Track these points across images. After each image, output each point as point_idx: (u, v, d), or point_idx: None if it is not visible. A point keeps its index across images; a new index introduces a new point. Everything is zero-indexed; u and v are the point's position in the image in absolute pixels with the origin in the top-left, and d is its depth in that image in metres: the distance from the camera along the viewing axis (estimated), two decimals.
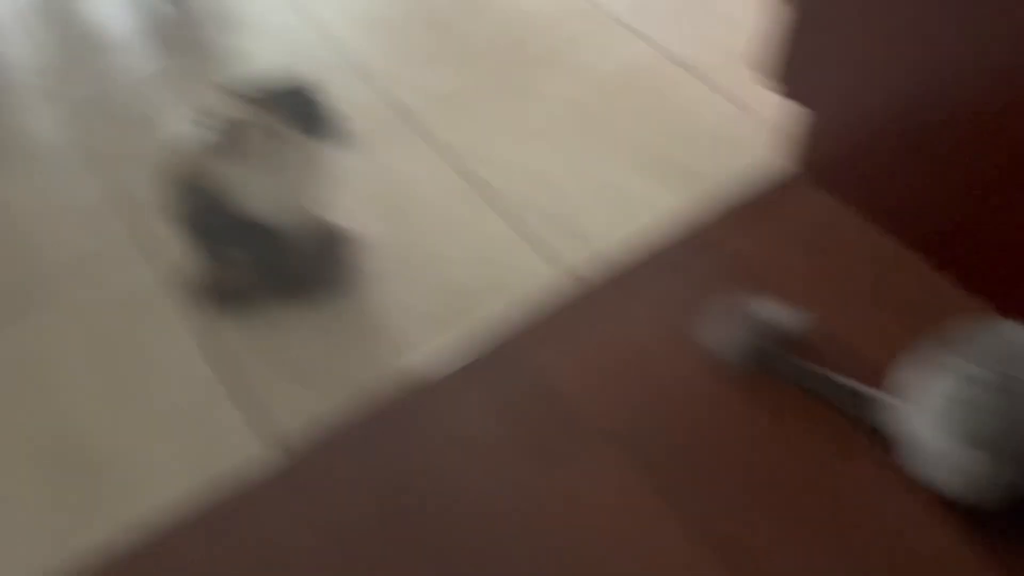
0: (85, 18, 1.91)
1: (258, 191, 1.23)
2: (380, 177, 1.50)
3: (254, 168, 1.20)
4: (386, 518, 1.08)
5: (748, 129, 1.54)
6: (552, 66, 1.71)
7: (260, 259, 1.30)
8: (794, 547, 1.02)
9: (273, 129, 1.16)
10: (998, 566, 0.98)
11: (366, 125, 1.57)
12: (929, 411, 0.97)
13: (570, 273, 1.35)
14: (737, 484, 1.09)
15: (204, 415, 1.20)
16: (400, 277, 1.35)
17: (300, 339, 1.28)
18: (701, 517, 1.06)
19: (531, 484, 1.10)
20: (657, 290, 1.31)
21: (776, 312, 1.19)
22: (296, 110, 1.15)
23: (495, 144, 1.55)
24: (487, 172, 1.50)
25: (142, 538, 1.06)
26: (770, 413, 1.15)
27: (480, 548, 1.05)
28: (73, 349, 1.29)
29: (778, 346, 1.17)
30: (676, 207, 1.42)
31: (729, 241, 1.37)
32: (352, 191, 1.41)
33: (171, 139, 1.57)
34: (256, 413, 1.20)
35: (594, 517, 1.06)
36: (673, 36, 1.75)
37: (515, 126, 1.58)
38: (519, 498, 1.09)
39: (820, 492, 1.07)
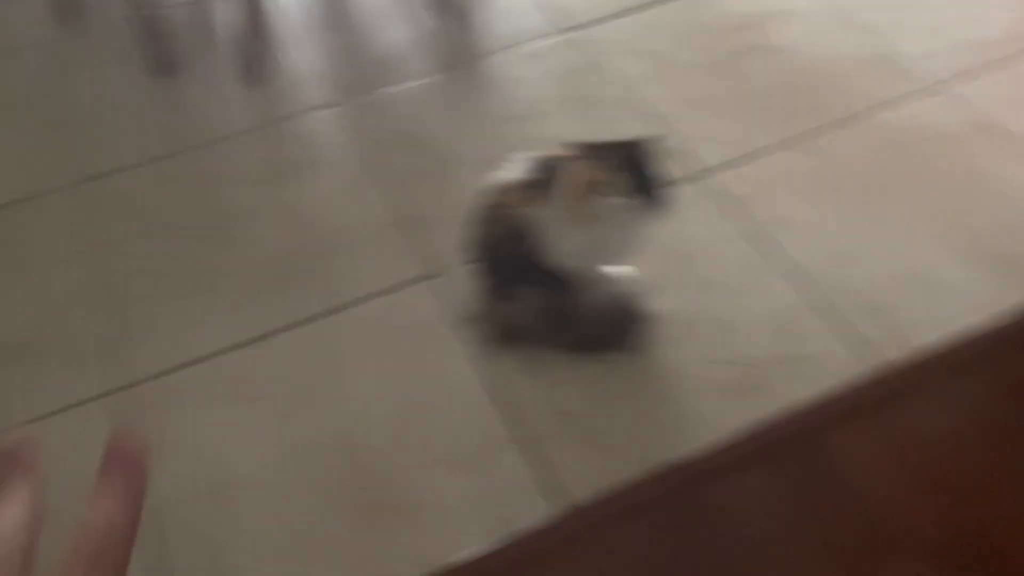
0: (361, 28, 1.97)
1: (565, 238, 1.21)
2: (675, 238, 1.44)
3: (566, 214, 1.19)
4: None
5: None
6: (849, 124, 1.61)
7: (551, 306, 1.29)
8: None
9: (598, 179, 1.13)
10: None
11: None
12: None
13: (875, 356, 1.25)
14: None
15: (491, 462, 1.19)
16: (691, 345, 1.30)
17: (588, 398, 1.26)
18: None
19: None
20: (979, 385, 1.19)
21: None
22: (629, 166, 1.12)
23: (793, 208, 1.47)
24: (785, 239, 1.43)
25: None
26: None
27: None
28: (361, 362, 1.32)
29: None
30: (997, 298, 1.29)
31: None
32: (650, 252, 1.37)
33: (476, 166, 1.60)
34: (543, 470, 1.18)
35: None
36: (994, 100, 1.61)
37: (814, 188, 1.50)
38: None
39: None
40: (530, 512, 1.14)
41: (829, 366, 1.25)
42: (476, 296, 1.33)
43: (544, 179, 1.19)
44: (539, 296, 1.28)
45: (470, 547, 1.08)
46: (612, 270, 1.29)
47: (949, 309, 1.30)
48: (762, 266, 1.39)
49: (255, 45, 1.85)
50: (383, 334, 1.36)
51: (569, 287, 1.26)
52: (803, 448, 1.15)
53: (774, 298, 1.35)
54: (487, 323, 1.34)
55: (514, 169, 1.23)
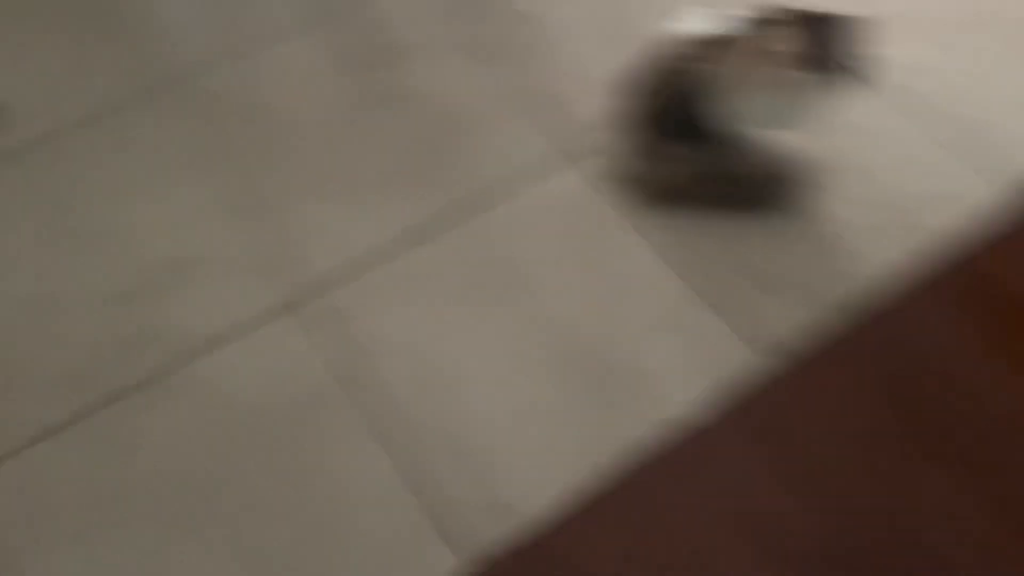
0: None
1: (738, 101, 1.25)
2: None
3: (744, 78, 1.22)
4: (897, 419, 1.16)
5: None
6: None
7: (711, 165, 1.34)
8: None
9: (782, 49, 1.17)
10: None
11: None
12: None
13: (1010, 185, 1.37)
14: None
15: (690, 321, 1.28)
16: (842, 194, 1.39)
17: (761, 250, 1.34)
18: None
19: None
20: None
21: None
22: (815, 38, 1.15)
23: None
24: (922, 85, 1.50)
25: (674, 436, 1.17)
26: None
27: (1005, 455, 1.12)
28: (540, 249, 1.36)
29: None
30: None
31: None
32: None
33: (595, 40, 1.60)
34: (741, 322, 1.27)
35: None
36: None
37: None
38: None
39: None
40: (739, 363, 1.23)
41: (970, 197, 1.36)
42: (633, 157, 1.37)
43: (725, 38, 1.21)
44: (699, 156, 1.33)
45: (693, 401, 1.19)
46: (774, 133, 1.34)
47: None
48: (909, 116, 1.47)
49: None
50: (546, 218, 1.40)
51: (729, 147, 1.32)
52: (970, 279, 1.27)
53: (913, 147, 1.43)
54: (647, 184, 1.39)
55: (693, 23, 1.24)
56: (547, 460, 1.15)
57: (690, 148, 1.32)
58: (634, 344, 1.26)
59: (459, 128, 1.51)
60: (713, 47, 1.23)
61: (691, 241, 1.36)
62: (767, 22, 1.17)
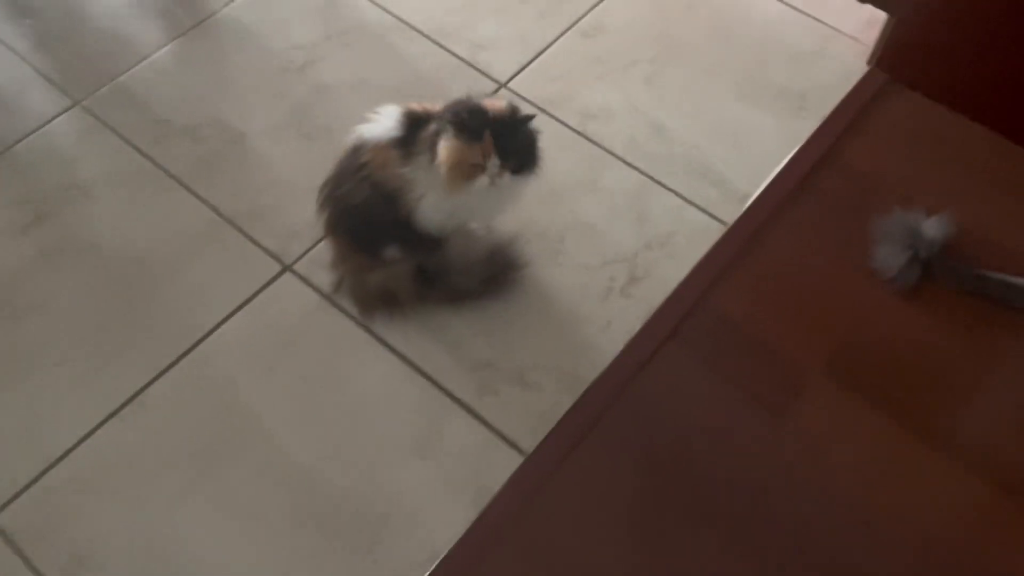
0: None
1: (435, 202, 1.19)
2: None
3: (438, 181, 1.16)
4: (658, 487, 1.14)
5: (829, 41, 1.60)
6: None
7: (423, 264, 1.28)
8: None
9: (469, 152, 1.11)
10: None
11: None
12: None
13: (717, 216, 1.40)
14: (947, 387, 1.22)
15: (443, 433, 1.20)
16: (569, 261, 1.37)
17: (498, 342, 1.29)
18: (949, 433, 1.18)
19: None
20: (801, 216, 1.39)
21: (920, 219, 1.28)
22: (503, 140, 1.10)
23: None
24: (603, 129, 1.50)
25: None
26: (946, 320, 1.27)
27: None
28: (268, 385, 1.24)
29: (933, 253, 1.27)
30: (787, 129, 1.48)
31: (850, 158, 1.45)
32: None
33: (273, 133, 1.48)
34: (496, 416, 1.21)
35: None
36: None
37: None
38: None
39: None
40: (503, 465, 1.17)
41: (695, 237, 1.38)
42: (344, 267, 1.29)
43: (410, 137, 1.15)
44: (415, 254, 1.26)
45: (464, 521, 1.11)
46: (482, 226, 1.30)
47: (751, 149, 1.47)
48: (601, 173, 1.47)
49: None
50: (271, 348, 1.27)
51: (438, 244, 1.26)
52: (697, 314, 1.28)
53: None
54: (362, 292, 1.30)
55: (375, 127, 1.17)
56: None
57: (403, 249, 1.25)
58: (389, 472, 1.17)
59: (154, 272, 1.35)
60: (399, 148, 1.16)
61: (428, 344, 1.28)
62: (448, 119, 1.11)
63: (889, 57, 1.51)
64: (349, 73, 1.57)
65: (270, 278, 1.34)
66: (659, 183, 1.44)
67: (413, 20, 1.65)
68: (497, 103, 1.15)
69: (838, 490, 1.09)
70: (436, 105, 1.17)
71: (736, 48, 1.61)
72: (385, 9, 1.67)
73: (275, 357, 1.27)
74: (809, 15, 1.65)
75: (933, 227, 1.24)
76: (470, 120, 1.09)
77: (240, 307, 1.31)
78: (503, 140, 1.10)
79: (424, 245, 1.25)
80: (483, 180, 1.11)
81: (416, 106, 1.18)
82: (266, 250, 1.37)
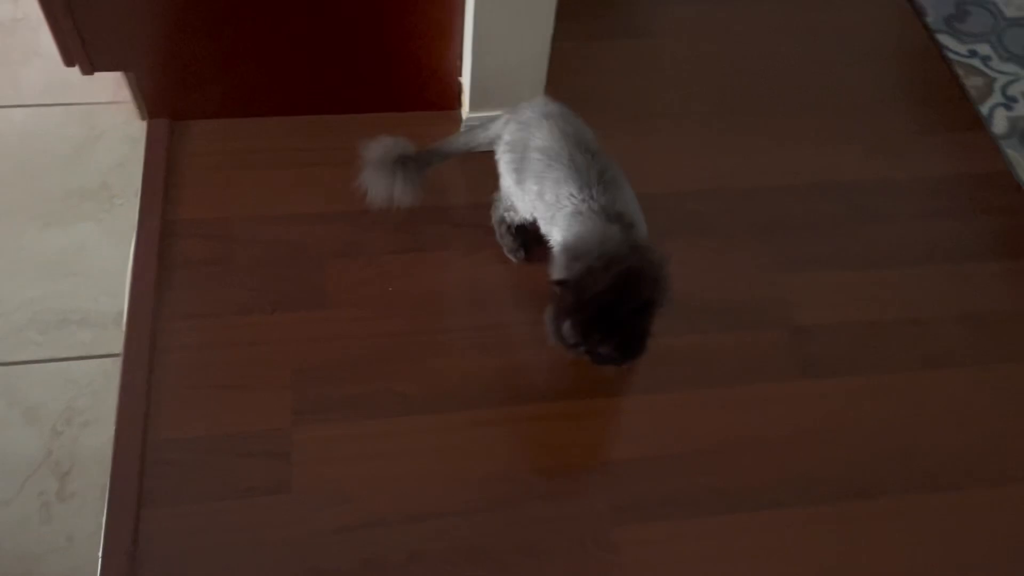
0: None
1: None
2: None
3: None
4: None
5: (92, 119, 1.48)
6: None
7: None
8: None
9: None
10: None
11: None
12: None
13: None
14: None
15: None
16: None
17: None
18: None
19: None
20: (183, 294, 1.29)
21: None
22: None
23: None
24: None
25: None
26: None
27: None
28: None
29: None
30: (114, 224, 1.35)
31: (189, 210, 1.37)
32: None
33: None
34: None
35: None
36: None
37: None
38: None
39: None
40: None
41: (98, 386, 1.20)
42: None
43: None
44: None
45: None
46: None
47: None
48: None
49: None
50: None
51: None
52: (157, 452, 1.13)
53: None
54: None
55: None
56: None
57: None
58: None
59: None
60: None
61: None
62: None
63: (154, 103, 1.44)
64: None
65: None
66: (19, 363, 1.23)
67: None
68: None
69: None
70: None
71: (10, 180, 1.42)
72: None
73: None
74: (55, 104, 1.50)
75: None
76: None
77: None
78: None
79: None
80: None
81: None
82: None
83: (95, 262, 1.33)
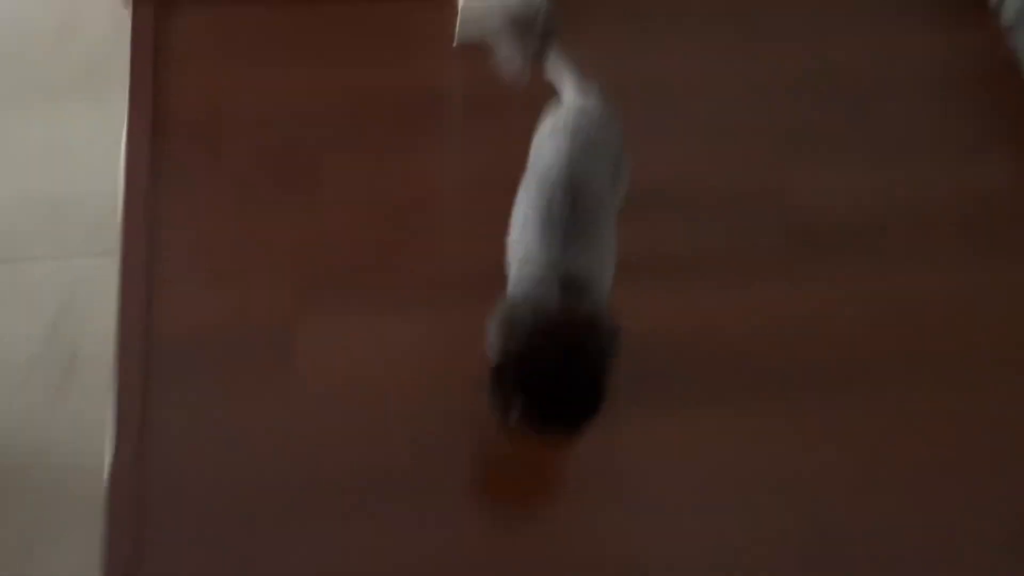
0: None
1: None
2: None
3: None
4: None
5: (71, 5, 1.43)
6: None
7: None
8: None
9: None
10: None
11: None
12: None
13: None
14: None
15: None
16: None
17: None
18: None
19: None
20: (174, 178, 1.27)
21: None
22: None
23: None
24: None
25: None
26: None
27: None
28: None
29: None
30: (106, 109, 1.32)
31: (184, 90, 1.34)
32: None
33: None
34: None
35: None
36: None
37: None
38: None
39: None
40: None
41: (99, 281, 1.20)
42: None
43: None
44: None
45: None
46: None
47: None
48: None
49: None
50: None
51: None
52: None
53: None
54: None
55: None
56: None
57: None
58: None
59: None
60: None
61: None
62: None
63: None
64: None
65: None
66: (22, 259, 1.22)
67: None
68: None
69: None
70: None
71: None
72: None
73: None
74: None
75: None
76: None
77: None
78: None
79: None
80: None
81: None
82: None
83: (86, 145, 1.30)
